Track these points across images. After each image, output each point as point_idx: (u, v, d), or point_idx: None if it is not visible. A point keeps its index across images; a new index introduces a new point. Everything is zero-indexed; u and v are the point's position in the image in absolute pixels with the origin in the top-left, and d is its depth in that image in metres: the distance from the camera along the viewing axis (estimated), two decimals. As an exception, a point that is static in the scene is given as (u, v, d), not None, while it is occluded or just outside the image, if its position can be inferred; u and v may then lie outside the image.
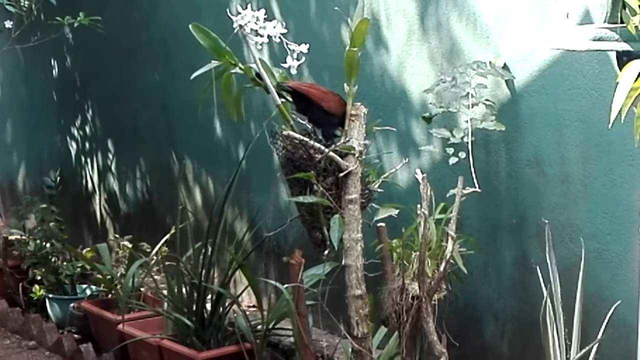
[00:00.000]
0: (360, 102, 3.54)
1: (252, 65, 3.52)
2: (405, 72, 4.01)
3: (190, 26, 3.55)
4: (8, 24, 5.66)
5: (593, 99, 3.27)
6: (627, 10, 2.30)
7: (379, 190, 3.58)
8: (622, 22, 2.37)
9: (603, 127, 2.97)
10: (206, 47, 3.55)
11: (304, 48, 3.42)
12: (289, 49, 3.42)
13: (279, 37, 3.40)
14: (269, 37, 3.40)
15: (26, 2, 5.53)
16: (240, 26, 3.39)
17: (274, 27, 3.40)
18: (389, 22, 4.06)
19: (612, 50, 2.52)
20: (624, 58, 2.41)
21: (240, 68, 3.55)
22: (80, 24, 5.38)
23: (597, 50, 2.56)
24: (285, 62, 3.44)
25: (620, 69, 2.35)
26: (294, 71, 3.46)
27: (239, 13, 3.38)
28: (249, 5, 3.43)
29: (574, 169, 3.39)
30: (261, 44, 3.42)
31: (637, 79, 2.24)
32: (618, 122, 2.28)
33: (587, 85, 3.29)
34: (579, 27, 2.50)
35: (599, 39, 2.43)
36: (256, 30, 3.39)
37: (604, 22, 2.46)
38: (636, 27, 2.31)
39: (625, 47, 2.40)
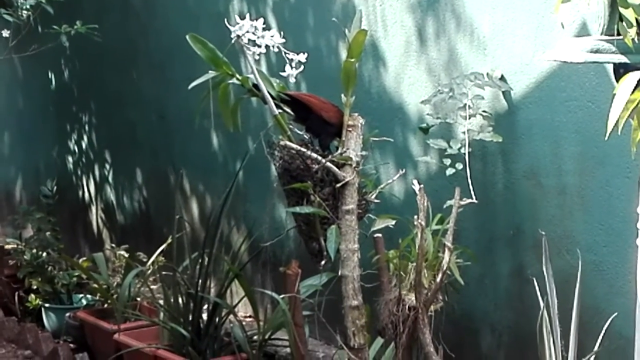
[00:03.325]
0: (357, 113, 3.54)
1: (250, 76, 3.52)
2: (403, 83, 4.01)
3: (187, 37, 3.55)
4: (5, 33, 5.65)
5: (590, 111, 3.28)
6: (623, 23, 2.30)
7: (375, 201, 3.57)
8: (618, 34, 2.38)
9: (600, 139, 2.97)
10: (203, 57, 3.54)
11: (302, 57, 3.41)
12: (288, 57, 3.41)
13: (277, 47, 3.40)
14: (267, 47, 3.39)
15: (24, 11, 5.52)
16: (238, 36, 3.38)
17: (272, 37, 3.39)
18: (387, 34, 4.06)
19: (609, 63, 2.52)
20: (620, 70, 2.42)
21: (237, 79, 3.55)
22: (78, 33, 5.37)
23: (594, 63, 2.56)
24: (284, 71, 3.43)
25: (617, 80, 2.35)
26: (292, 80, 3.46)
27: (237, 23, 3.38)
28: (247, 16, 3.43)
29: (570, 180, 3.39)
30: (259, 55, 3.42)
31: (634, 91, 2.25)
32: (615, 134, 2.28)
33: (584, 97, 3.29)
34: (576, 39, 2.50)
35: (596, 51, 2.43)
36: (254, 41, 3.39)
37: (601, 34, 2.47)
38: (633, 39, 2.31)
39: (622, 59, 2.41)
